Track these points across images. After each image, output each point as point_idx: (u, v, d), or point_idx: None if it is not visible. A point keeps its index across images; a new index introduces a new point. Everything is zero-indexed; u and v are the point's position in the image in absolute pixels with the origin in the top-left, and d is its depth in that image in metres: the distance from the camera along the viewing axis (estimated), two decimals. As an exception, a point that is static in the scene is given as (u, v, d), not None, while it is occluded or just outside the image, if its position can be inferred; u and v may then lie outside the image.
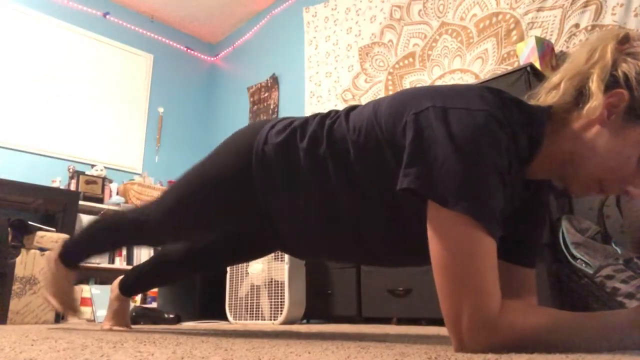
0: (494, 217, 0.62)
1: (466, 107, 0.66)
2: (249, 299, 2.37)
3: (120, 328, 1.39)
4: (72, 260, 1.29)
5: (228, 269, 2.47)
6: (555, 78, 0.75)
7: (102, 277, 3.27)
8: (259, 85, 4.01)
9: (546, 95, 0.75)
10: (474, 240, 0.60)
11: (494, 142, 0.63)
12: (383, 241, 0.85)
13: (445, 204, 0.61)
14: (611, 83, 0.67)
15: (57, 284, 1.30)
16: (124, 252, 3.34)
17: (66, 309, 1.31)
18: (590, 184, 0.71)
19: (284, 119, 0.97)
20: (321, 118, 0.89)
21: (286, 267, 2.22)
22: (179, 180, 1.06)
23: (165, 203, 1.07)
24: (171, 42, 4.43)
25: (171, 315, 2.13)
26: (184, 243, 1.25)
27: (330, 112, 0.90)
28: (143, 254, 3.42)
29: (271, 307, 2.25)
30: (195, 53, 4.61)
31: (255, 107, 4.01)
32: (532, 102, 0.77)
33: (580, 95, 0.70)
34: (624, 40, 0.69)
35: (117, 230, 1.18)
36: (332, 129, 0.84)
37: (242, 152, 0.94)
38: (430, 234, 0.64)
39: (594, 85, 0.67)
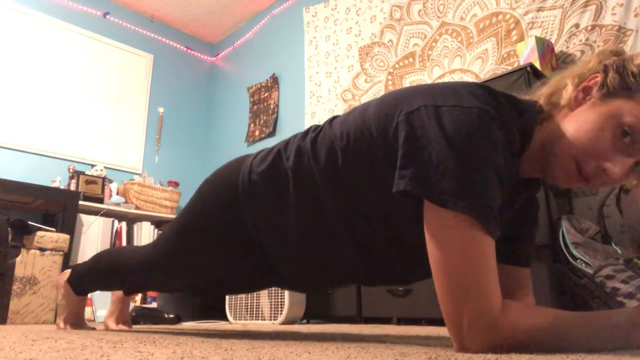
0: (493, 216, 0.61)
1: (459, 105, 0.65)
2: (249, 299, 2.37)
3: (123, 327, 1.41)
4: (81, 290, 1.32)
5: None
6: (552, 82, 0.77)
7: (102, 277, 3.27)
8: (259, 85, 4.01)
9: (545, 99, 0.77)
10: (473, 241, 0.60)
11: (489, 138, 0.63)
12: (381, 251, 0.83)
13: (444, 204, 0.60)
14: (589, 72, 0.71)
15: (70, 309, 1.33)
16: (124, 252, 3.34)
17: (74, 328, 1.34)
18: (567, 164, 0.69)
19: (265, 149, 0.95)
20: (303, 134, 0.88)
21: (286, 267, 2.22)
22: (170, 229, 1.04)
23: (161, 254, 1.05)
24: (171, 42, 4.43)
25: (171, 315, 2.13)
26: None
27: (310, 127, 0.89)
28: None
29: (271, 307, 2.25)
30: (195, 53, 4.61)
31: (255, 107, 4.01)
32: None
33: (559, 93, 0.73)
34: (616, 51, 0.72)
35: (120, 274, 1.19)
36: (316, 141, 0.82)
37: (228, 187, 0.92)
38: (427, 234, 0.63)
39: (568, 78, 0.72)
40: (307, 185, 0.82)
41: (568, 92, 0.70)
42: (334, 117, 0.86)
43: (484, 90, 0.69)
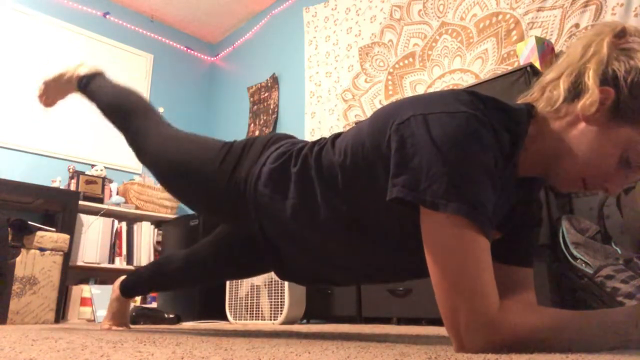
0: (486, 216, 0.62)
1: (446, 111, 0.66)
2: (249, 299, 2.37)
3: (119, 328, 1.41)
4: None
5: (228, 269, 2.47)
6: (549, 75, 0.74)
7: (102, 277, 3.27)
8: (259, 85, 4.01)
9: (540, 93, 0.75)
10: (467, 241, 0.61)
11: (477, 140, 0.63)
12: (381, 255, 0.85)
13: (436, 207, 0.61)
14: (602, 79, 0.67)
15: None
16: (124, 252, 3.34)
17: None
18: (574, 180, 0.73)
19: (287, 143, 0.97)
20: (312, 143, 0.91)
21: (286, 267, 2.22)
22: (184, 146, 1.07)
23: (165, 146, 1.09)
24: (171, 42, 4.43)
25: (171, 315, 2.13)
26: (183, 259, 1.29)
27: (318, 139, 0.93)
28: (143, 254, 3.42)
29: (271, 307, 2.25)
30: (195, 53, 4.61)
31: (255, 107, 4.01)
32: (527, 99, 0.78)
33: (573, 90, 0.69)
34: (621, 35, 0.69)
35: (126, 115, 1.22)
36: (320, 156, 0.86)
37: (249, 161, 0.96)
38: (424, 238, 0.65)
39: (591, 81, 0.67)
40: (307, 193, 0.85)
41: (590, 100, 0.66)
42: (337, 136, 0.89)
43: (471, 96, 0.70)
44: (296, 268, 1.01)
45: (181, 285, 1.75)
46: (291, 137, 1.04)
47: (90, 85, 1.33)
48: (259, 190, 0.91)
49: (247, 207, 0.94)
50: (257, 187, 0.92)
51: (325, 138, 0.91)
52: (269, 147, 0.98)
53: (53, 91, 1.40)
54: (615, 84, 0.66)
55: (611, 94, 0.66)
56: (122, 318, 1.45)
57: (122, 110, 1.22)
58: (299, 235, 0.89)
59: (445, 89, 2.61)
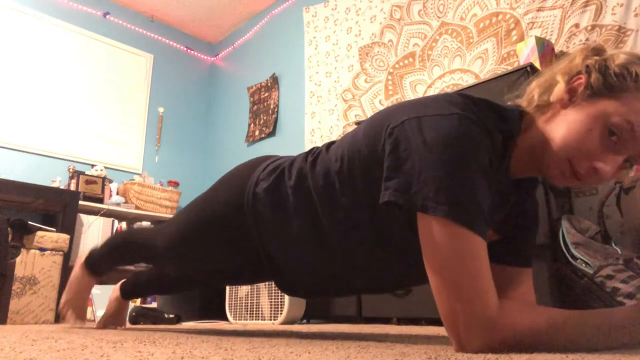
0: (479, 216, 0.62)
1: (439, 113, 0.67)
2: (249, 299, 2.37)
3: (115, 328, 1.42)
4: (96, 269, 1.38)
5: (228, 269, 2.48)
6: (535, 81, 0.78)
7: (102, 277, 3.27)
8: (259, 85, 4.01)
9: (528, 100, 0.78)
10: (461, 243, 0.61)
11: (471, 141, 0.64)
12: (380, 264, 0.85)
13: (426, 210, 0.62)
14: (574, 73, 0.71)
15: (77, 290, 1.39)
16: (124, 252, 3.35)
17: (75, 317, 1.36)
18: (561, 165, 0.70)
19: (277, 159, 0.98)
20: (305, 154, 0.92)
21: (286, 267, 2.22)
22: (180, 216, 1.09)
23: (168, 240, 1.09)
24: (171, 42, 4.43)
25: (171, 315, 2.13)
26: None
27: (311, 149, 0.93)
28: (143, 254, 3.42)
29: (271, 307, 2.25)
30: (195, 53, 4.61)
31: (255, 107, 4.00)
32: (515, 102, 0.80)
33: (548, 87, 0.74)
34: (597, 49, 0.73)
35: (132, 252, 1.27)
36: (314, 165, 0.86)
37: (236, 194, 0.96)
38: (421, 242, 0.65)
39: (559, 75, 0.72)
40: (306, 205, 0.85)
41: (560, 91, 0.71)
42: (331, 143, 0.90)
43: (464, 98, 0.71)
44: (299, 284, 1.01)
45: (178, 292, 1.78)
46: (273, 156, 1.04)
47: (96, 263, 1.36)
48: (259, 212, 0.91)
49: (249, 233, 0.94)
50: (257, 209, 0.91)
51: (317, 147, 0.92)
52: (255, 167, 0.99)
53: (78, 302, 1.39)
54: (587, 71, 0.70)
55: (583, 79, 0.69)
56: (119, 318, 1.46)
57: (123, 249, 1.28)
58: (303, 248, 0.89)
59: (445, 89, 2.61)
